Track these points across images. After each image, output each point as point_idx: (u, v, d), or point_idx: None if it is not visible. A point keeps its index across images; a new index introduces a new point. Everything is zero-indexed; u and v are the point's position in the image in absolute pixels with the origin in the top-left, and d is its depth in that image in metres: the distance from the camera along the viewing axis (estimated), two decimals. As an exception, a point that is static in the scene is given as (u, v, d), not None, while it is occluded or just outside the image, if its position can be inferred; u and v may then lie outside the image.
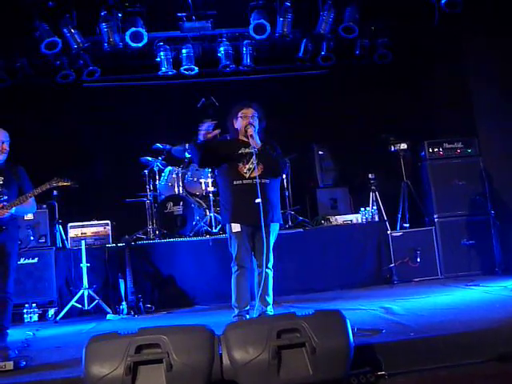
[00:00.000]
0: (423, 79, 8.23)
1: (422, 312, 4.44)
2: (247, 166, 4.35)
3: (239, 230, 4.33)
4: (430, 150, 7.13)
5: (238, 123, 4.48)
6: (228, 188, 4.44)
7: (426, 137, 7.30)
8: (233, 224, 4.36)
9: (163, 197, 7.22)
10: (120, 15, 7.16)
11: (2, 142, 4.36)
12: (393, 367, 3.23)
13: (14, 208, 4.27)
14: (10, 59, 7.53)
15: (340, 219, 7.17)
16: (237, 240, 4.37)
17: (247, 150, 4.39)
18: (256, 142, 4.35)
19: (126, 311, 5.95)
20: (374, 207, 7.22)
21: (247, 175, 4.34)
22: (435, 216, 6.98)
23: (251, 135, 4.34)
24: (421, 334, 3.50)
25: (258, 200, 4.14)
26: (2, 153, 4.37)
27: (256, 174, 4.27)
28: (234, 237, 4.38)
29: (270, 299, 4.40)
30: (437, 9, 6.87)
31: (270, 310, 4.37)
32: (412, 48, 8.09)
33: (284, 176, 7.37)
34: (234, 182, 4.37)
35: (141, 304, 6.12)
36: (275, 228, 4.48)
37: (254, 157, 4.29)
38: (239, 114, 4.49)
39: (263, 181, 4.34)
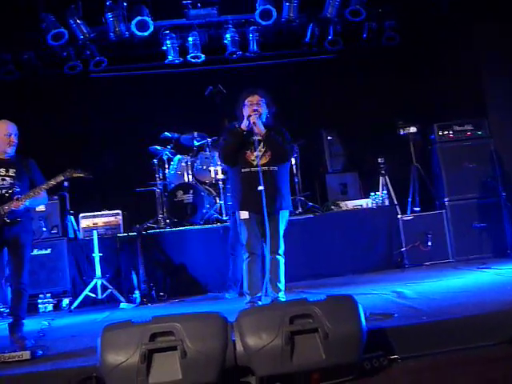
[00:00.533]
0: (432, 62, 8.13)
1: (433, 295, 4.44)
2: (255, 154, 4.35)
3: (247, 217, 4.36)
4: (440, 133, 7.08)
5: (245, 111, 4.47)
6: (236, 176, 4.46)
7: (436, 120, 7.23)
8: (241, 212, 4.39)
9: (173, 185, 7.24)
10: (125, 4, 7.14)
11: (10, 135, 4.37)
12: (405, 351, 3.25)
13: (27, 200, 4.31)
14: (18, 52, 7.54)
15: (350, 204, 7.16)
16: (246, 227, 4.40)
17: (254, 138, 4.39)
18: (260, 129, 4.35)
19: (138, 300, 6.00)
20: (384, 192, 7.20)
21: (255, 163, 4.34)
22: (446, 199, 6.94)
23: (254, 122, 4.34)
24: (433, 318, 3.51)
25: (261, 187, 4.16)
26: (10, 145, 4.38)
27: (258, 161, 4.28)
28: (243, 224, 4.41)
29: (281, 285, 4.42)
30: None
31: (282, 296, 4.40)
32: (420, 30, 7.99)
33: (293, 162, 7.37)
34: (242, 170, 4.39)
35: (153, 292, 6.18)
36: (285, 215, 4.49)
37: (256, 143, 4.30)
38: (245, 102, 4.49)
39: (271, 168, 4.36)
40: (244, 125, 4.38)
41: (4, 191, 4.29)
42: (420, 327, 3.39)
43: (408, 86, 8.16)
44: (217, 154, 7.07)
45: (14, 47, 7.52)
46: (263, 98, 4.49)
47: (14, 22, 6.91)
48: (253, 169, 4.34)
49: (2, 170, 4.34)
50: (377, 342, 3.20)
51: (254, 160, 4.35)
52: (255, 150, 4.35)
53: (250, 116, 4.37)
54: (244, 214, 4.36)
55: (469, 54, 7.42)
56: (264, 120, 4.48)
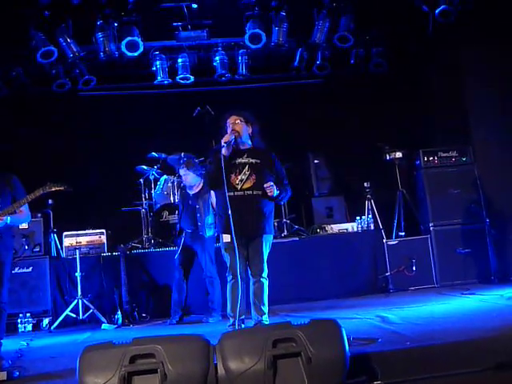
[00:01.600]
0: (418, 88, 8.27)
1: (418, 321, 4.44)
2: (239, 177, 4.35)
3: (229, 240, 4.34)
4: (425, 159, 7.17)
5: (227, 131, 4.49)
6: (221, 199, 4.45)
7: (421, 145, 7.33)
8: (224, 235, 4.39)
9: (158, 206, 7.21)
10: (116, 24, 7.18)
11: None
12: (389, 376, 3.21)
13: (9, 218, 4.24)
14: (6, 68, 7.53)
15: (336, 228, 7.18)
16: (228, 251, 4.39)
17: (239, 160, 4.40)
18: (224, 150, 4.32)
19: (120, 320, 5.92)
20: (370, 216, 7.23)
21: (239, 187, 4.34)
22: (431, 224, 6.99)
23: (224, 142, 4.31)
24: (417, 343, 3.49)
25: (229, 212, 4.17)
26: None
27: (243, 185, 4.29)
28: (226, 247, 4.40)
29: (265, 308, 4.39)
30: (431, 19, 6.93)
31: (266, 319, 4.36)
32: (407, 57, 8.14)
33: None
34: (227, 194, 4.34)
35: (136, 313, 6.11)
36: (268, 239, 4.48)
37: (240, 167, 4.31)
38: (227, 125, 4.53)
39: (255, 192, 4.34)
40: (224, 150, 4.34)
41: (-15, 207, 4.23)
42: (404, 352, 3.37)
43: (394, 112, 8.27)
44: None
45: (2, 63, 7.50)
46: (241, 117, 4.50)
47: (4, 38, 6.90)
48: (237, 193, 4.34)
49: (-16, 186, 4.28)
50: (360, 367, 3.17)
51: (237, 184, 4.35)
52: (239, 174, 4.34)
53: (225, 141, 4.35)
54: (226, 238, 4.35)
55: (454, 79, 7.56)
56: (247, 141, 4.49)
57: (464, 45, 7.28)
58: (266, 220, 4.41)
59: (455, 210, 6.95)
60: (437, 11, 6.68)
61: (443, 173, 7.10)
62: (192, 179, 6.01)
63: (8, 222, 4.26)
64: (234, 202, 4.30)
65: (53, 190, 4.41)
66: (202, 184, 6.03)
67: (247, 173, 4.36)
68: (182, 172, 6.06)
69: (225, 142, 4.32)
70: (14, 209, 4.28)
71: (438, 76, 7.97)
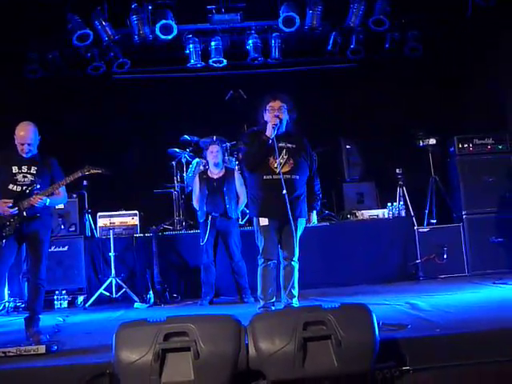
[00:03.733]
0: (454, 73, 8.10)
1: (448, 308, 4.41)
2: (278, 161, 4.33)
3: (267, 223, 4.36)
4: (460, 146, 7.04)
5: (267, 116, 4.45)
6: (257, 182, 4.43)
7: (455, 132, 7.20)
8: (261, 218, 4.40)
9: (190, 188, 7.29)
10: (150, 8, 7.24)
11: (23, 144, 4.38)
12: (418, 363, 3.22)
13: (48, 199, 4.37)
14: (43, 51, 7.68)
15: (366, 214, 7.14)
16: (264, 233, 4.40)
17: (277, 144, 4.36)
18: (270, 133, 4.32)
19: (152, 300, 6.05)
20: (401, 202, 7.17)
21: (277, 170, 4.32)
22: (464, 212, 6.89)
23: (273, 125, 4.31)
24: (447, 331, 3.48)
25: (284, 191, 4.18)
26: (24, 153, 4.41)
27: (279, 169, 4.28)
28: (262, 230, 4.41)
29: (295, 292, 4.42)
30: (471, 2, 6.77)
31: (296, 303, 4.40)
32: (443, 41, 7.97)
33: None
34: (264, 177, 4.36)
35: (167, 293, 6.23)
36: (302, 222, 4.50)
37: (278, 151, 4.31)
38: (267, 107, 4.46)
39: (293, 176, 4.36)
40: (269, 132, 4.34)
41: (25, 188, 4.36)
42: (433, 339, 3.36)
43: (429, 97, 8.14)
44: (234, 158, 7.13)
45: (39, 47, 7.66)
46: (285, 104, 4.45)
47: (41, 22, 7.04)
48: (275, 176, 4.33)
49: (24, 167, 4.41)
50: (389, 353, 3.18)
51: (276, 167, 4.33)
52: (277, 157, 4.33)
53: (271, 121, 4.35)
54: (263, 221, 4.37)
55: (492, 66, 7.38)
56: (284, 127, 4.46)
57: (502, 29, 7.08)
58: (301, 204, 4.43)
59: (489, 198, 6.83)
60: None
61: (478, 160, 6.97)
62: (221, 158, 6.06)
63: (47, 203, 4.39)
64: (272, 185, 4.31)
65: (91, 172, 4.50)
66: (224, 168, 6.11)
67: (285, 157, 4.35)
68: (215, 148, 6.08)
69: (274, 125, 4.31)
70: (53, 190, 4.39)
71: (475, 61, 7.79)
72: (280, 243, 4.43)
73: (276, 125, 4.32)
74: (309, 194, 4.57)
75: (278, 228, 4.38)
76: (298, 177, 4.39)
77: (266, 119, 4.48)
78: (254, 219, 4.50)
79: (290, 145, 4.43)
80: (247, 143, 4.53)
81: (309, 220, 4.60)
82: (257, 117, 4.60)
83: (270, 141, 4.31)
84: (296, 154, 4.42)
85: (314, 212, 4.65)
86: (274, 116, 4.36)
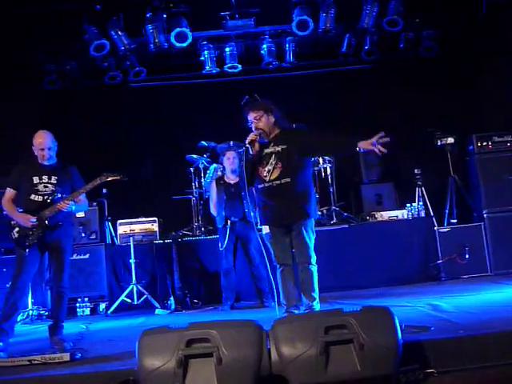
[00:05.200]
0: (470, 71, 8.03)
1: (471, 309, 4.35)
2: (266, 169, 4.32)
3: (269, 231, 4.43)
4: (479, 144, 6.96)
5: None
6: (255, 192, 4.52)
7: (473, 131, 7.13)
8: (264, 226, 4.46)
9: (208, 194, 7.31)
10: (165, 16, 7.32)
11: (43, 149, 4.44)
12: (442, 365, 3.18)
13: (74, 205, 4.43)
14: (61, 62, 7.81)
15: (385, 215, 7.09)
16: (271, 240, 4.46)
17: (266, 151, 4.37)
18: (251, 137, 4.32)
19: (173, 306, 6.08)
20: (421, 203, 7.11)
21: (267, 178, 4.32)
22: (484, 211, 6.81)
23: (251, 141, 4.30)
24: (470, 332, 3.44)
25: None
26: (44, 159, 4.49)
27: (269, 178, 4.27)
28: (269, 237, 4.48)
29: (315, 294, 4.39)
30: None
31: (317, 305, 4.38)
32: (459, 40, 7.91)
33: (328, 171, 7.37)
34: (258, 186, 4.40)
35: (188, 299, 6.26)
36: (307, 223, 4.36)
37: (267, 157, 4.29)
38: (249, 120, 4.48)
39: (283, 181, 4.28)
40: (250, 150, 4.35)
41: (46, 197, 4.42)
42: (457, 341, 3.32)
43: (445, 96, 8.07)
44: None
45: (57, 58, 7.78)
46: (260, 111, 4.41)
47: (58, 33, 7.15)
48: (266, 184, 4.33)
49: (45, 176, 4.47)
50: (413, 355, 3.15)
51: (266, 176, 4.33)
52: (266, 165, 4.32)
53: (248, 141, 4.33)
54: (266, 229, 4.46)
55: (508, 62, 7.29)
56: (269, 130, 4.41)
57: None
58: (300, 205, 4.32)
59: (510, 196, 6.73)
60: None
61: (498, 158, 6.88)
62: (238, 164, 6.10)
63: (73, 208, 4.46)
64: (266, 193, 4.34)
65: (109, 179, 4.54)
66: None
67: (273, 162, 4.31)
68: (232, 154, 6.10)
69: (248, 143, 4.31)
70: (74, 198, 4.45)
71: (491, 58, 7.70)
72: (292, 248, 4.45)
73: (251, 141, 4.30)
74: (337, 141, 4.43)
75: (284, 233, 4.39)
76: (289, 179, 4.28)
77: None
78: (262, 228, 4.56)
79: (279, 147, 4.34)
80: (242, 160, 4.52)
81: (368, 145, 4.15)
82: (247, 130, 4.54)
83: (254, 157, 4.31)
84: (287, 154, 4.31)
85: (360, 142, 4.21)
86: (255, 130, 4.36)
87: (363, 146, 4.20)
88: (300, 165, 4.36)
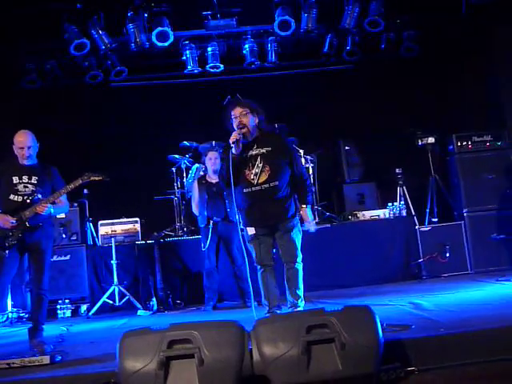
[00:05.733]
0: (450, 72, 8.11)
1: (451, 307, 4.40)
2: (253, 171, 4.26)
3: (254, 232, 4.38)
4: (459, 144, 7.04)
5: (234, 125, 4.37)
6: (239, 195, 4.36)
7: (454, 130, 7.21)
8: (248, 228, 4.41)
9: (190, 194, 7.29)
10: (146, 15, 7.26)
11: (22, 148, 4.39)
12: (423, 363, 3.21)
13: (52, 208, 4.38)
14: (41, 61, 7.70)
15: (367, 214, 7.14)
16: (254, 242, 4.42)
17: (250, 153, 4.30)
18: (235, 150, 4.23)
19: (155, 307, 6.06)
20: (402, 202, 7.17)
21: (255, 181, 4.25)
22: (464, 210, 6.89)
23: (232, 142, 4.21)
24: (451, 330, 3.47)
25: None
26: (24, 158, 4.43)
27: (256, 181, 4.23)
28: (251, 239, 4.43)
29: (300, 292, 4.41)
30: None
31: (301, 303, 4.40)
32: (439, 40, 7.98)
33: (311, 171, 7.39)
34: (244, 190, 4.31)
35: (170, 300, 6.23)
36: (294, 223, 4.39)
37: (252, 160, 4.26)
38: (231, 116, 4.39)
39: (271, 184, 4.25)
40: (234, 150, 4.26)
41: (26, 197, 4.37)
42: (438, 339, 3.35)
43: (426, 97, 8.16)
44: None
45: (37, 57, 7.68)
46: (246, 108, 4.35)
47: (38, 32, 7.07)
48: (254, 188, 4.26)
49: (25, 177, 4.42)
50: (394, 354, 3.18)
51: (253, 179, 4.26)
52: (252, 168, 4.27)
53: (233, 140, 4.23)
54: (251, 230, 4.38)
55: (488, 62, 7.39)
56: (254, 131, 4.35)
57: (498, 25, 7.09)
58: (286, 206, 4.33)
59: (490, 195, 6.82)
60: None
61: (477, 158, 6.96)
62: (220, 163, 6.08)
63: (52, 211, 4.40)
64: (253, 197, 4.28)
65: (91, 179, 4.50)
66: None
67: (260, 165, 4.25)
68: (214, 155, 6.08)
69: (233, 142, 4.22)
70: (54, 199, 4.41)
71: (471, 58, 7.80)
72: (276, 248, 4.44)
73: (236, 141, 4.22)
74: (297, 189, 4.41)
75: (268, 234, 4.38)
76: (277, 182, 4.26)
77: (233, 127, 4.39)
78: (244, 229, 4.50)
79: (264, 149, 4.30)
80: (222, 158, 4.48)
81: (304, 217, 4.41)
82: (227, 126, 4.46)
83: (236, 157, 4.22)
84: (272, 156, 4.29)
85: (308, 207, 4.43)
86: (236, 127, 4.28)
87: (303, 215, 4.45)
88: (284, 167, 4.35)
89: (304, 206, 4.43)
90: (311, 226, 4.52)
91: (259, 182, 4.25)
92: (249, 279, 4.57)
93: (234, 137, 4.24)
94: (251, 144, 4.35)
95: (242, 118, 4.31)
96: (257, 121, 4.39)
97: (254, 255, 4.47)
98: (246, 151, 4.32)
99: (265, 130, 4.49)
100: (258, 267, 4.46)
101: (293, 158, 4.42)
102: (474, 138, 7.05)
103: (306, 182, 4.49)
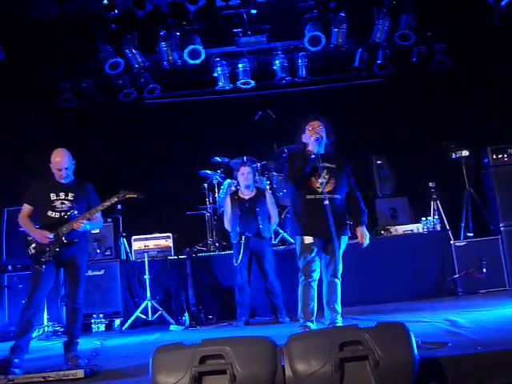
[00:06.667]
0: (484, 83, 7.99)
1: (489, 325, 4.29)
2: (319, 181, 4.39)
3: (312, 241, 4.40)
4: (494, 157, 6.92)
5: (306, 136, 4.53)
6: (300, 202, 4.49)
7: (488, 143, 7.09)
8: (305, 237, 4.42)
9: (222, 209, 7.33)
10: (178, 34, 7.42)
11: (60, 170, 4.48)
12: (460, 382, 3.14)
13: (88, 225, 4.46)
14: (77, 81, 7.92)
15: (400, 229, 7.03)
16: (307, 252, 4.42)
17: (318, 164, 4.42)
18: (313, 147, 4.40)
19: (188, 322, 6.06)
20: (436, 217, 7.05)
21: (320, 190, 4.39)
22: (501, 224, 6.74)
23: (315, 138, 4.39)
24: (488, 348, 3.38)
25: (329, 210, 4.25)
26: (61, 178, 4.52)
27: (323, 188, 4.35)
28: (305, 248, 4.43)
29: (338, 307, 4.45)
30: (497, 11, 6.69)
31: (339, 319, 4.40)
32: (471, 53, 7.88)
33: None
34: (307, 197, 4.43)
35: (202, 315, 6.23)
36: (345, 240, 4.55)
37: (320, 170, 4.37)
38: (307, 127, 4.55)
39: (335, 196, 4.42)
40: (311, 147, 4.43)
41: (63, 214, 4.45)
42: (475, 358, 3.27)
43: (459, 109, 8.02)
44: (265, 178, 7.16)
45: (73, 76, 7.90)
46: (323, 125, 4.55)
47: (74, 52, 7.29)
48: (317, 196, 4.39)
49: (62, 193, 4.51)
50: (430, 372, 3.11)
51: (318, 187, 4.40)
52: (319, 177, 4.40)
53: (311, 136, 4.43)
54: (308, 239, 4.40)
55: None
56: (323, 148, 4.53)
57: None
58: (345, 221, 4.53)
59: (527, 209, 6.67)
60: (503, 3, 6.45)
61: (514, 170, 6.83)
62: (252, 179, 6.10)
63: (88, 227, 4.48)
64: (315, 205, 4.36)
65: (126, 197, 4.57)
66: (255, 188, 6.17)
67: (326, 177, 4.42)
68: (246, 170, 6.12)
69: (315, 139, 4.39)
70: (91, 216, 4.47)
71: (505, 70, 7.66)
72: (324, 261, 4.47)
73: (317, 139, 4.40)
74: (353, 210, 4.62)
75: (321, 246, 4.43)
76: (339, 196, 4.47)
77: (304, 140, 4.55)
78: (297, 238, 4.52)
79: (330, 165, 4.49)
80: (290, 160, 4.60)
81: (361, 237, 4.56)
82: (297, 137, 4.64)
83: (313, 156, 4.37)
84: (336, 173, 4.49)
85: (364, 226, 4.61)
86: (315, 133, 4.45)
87: (360, 233, 4.59)
88: (345, 185, 4.55)
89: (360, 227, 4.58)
90: (365, 241, 4.63)
91: (326, 191, 4.38)
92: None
93: (315, 136, 4.42)
94: (318, 157, 4.46)
95: (320, 130, 4.51)
96: (325, 140, 4.57)
97: (302, 265, 4.46)
98: (315, 160, 4.44)
99: (330, 151, 4.64)
100: (302, 278, 4.46)
101: (350, 178, 4.63)
102: (510, 151, 6.92)
103: (361, 204, 4.65)
